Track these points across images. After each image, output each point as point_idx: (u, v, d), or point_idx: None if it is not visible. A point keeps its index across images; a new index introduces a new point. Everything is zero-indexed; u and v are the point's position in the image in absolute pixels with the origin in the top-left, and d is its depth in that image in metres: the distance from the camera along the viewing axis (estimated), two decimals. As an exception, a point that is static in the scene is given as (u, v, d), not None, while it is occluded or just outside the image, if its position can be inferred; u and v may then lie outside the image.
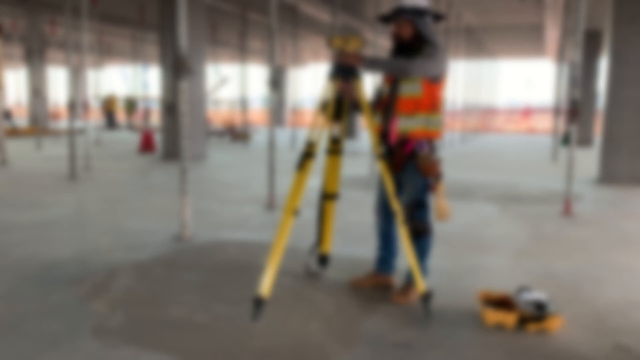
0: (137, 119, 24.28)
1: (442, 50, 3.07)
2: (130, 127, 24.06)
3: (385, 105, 3.21)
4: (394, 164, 3.17)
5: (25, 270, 3.71)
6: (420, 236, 3.18)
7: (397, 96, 3.13)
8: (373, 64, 3.08)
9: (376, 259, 3.52)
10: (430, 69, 3.02)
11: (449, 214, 3.10)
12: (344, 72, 3.10)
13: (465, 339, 2.74)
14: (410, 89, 3.08)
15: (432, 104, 3.09)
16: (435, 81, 3.08)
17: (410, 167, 3.13)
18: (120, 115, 26.30)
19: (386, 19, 3.19)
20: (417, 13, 3.08)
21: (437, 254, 4.28)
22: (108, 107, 24.26)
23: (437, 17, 3.24)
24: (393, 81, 3.18)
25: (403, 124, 3.11)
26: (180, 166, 4.67)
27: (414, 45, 3.13)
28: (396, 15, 3.13)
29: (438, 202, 3.08)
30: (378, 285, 3.45)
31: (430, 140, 3.12)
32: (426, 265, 3.27)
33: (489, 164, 11.65)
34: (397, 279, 3.51)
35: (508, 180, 8.83)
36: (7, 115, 21.48)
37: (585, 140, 16.57)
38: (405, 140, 3.12)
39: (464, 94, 20.40)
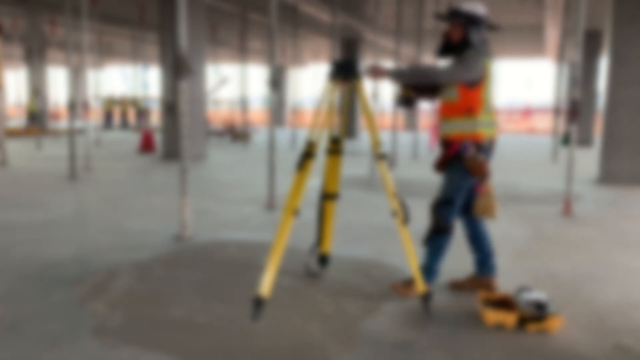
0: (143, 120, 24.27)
1: (475, 56, 3.09)
2: (129, 126, 24.07)
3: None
4: (437, 163, 3.27)
5: (25, 270, 3.71)
6: (439, 234, 3.22)
7: (441, 100, 3.24)
8: (399, 76, 3.15)
9: (474, 262, 3.50)
10: (460, 75, 3.06)
11: (495, 213, 3.20)
12: (344, 72, 3.11)
13: (465, 339, 2.74)
14: (447, 94, 3.17)
15: (467, 108, 3.11)
16: (471, 86, 3.10)
17: (451, 166, 3.19)
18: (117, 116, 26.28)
19: (441, 17, 3.25)
20: (472, 20, 3.15)
21: (437, 254, 4.29)
22: (109, 107, 24.29)
23: (492, 27, 3.30)
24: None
25: (442, 128, 3.22)
26: (180, 166, 4.67)
27: (460, 49, 3.18)
28: (451, 17, 3.19)
29: (484, 201, 3.16)
30: (479, 287, 3.41)
31: (476, 142, 3.12)
32: (437, 264, 3.28)
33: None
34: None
35: (508, 180, 8.83)
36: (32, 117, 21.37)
37: (585, 140, 16.56)
38: (449, 142, 3.18)
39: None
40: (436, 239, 3.23)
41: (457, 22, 3.17)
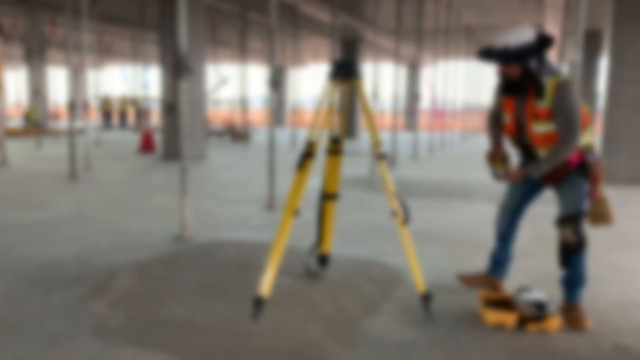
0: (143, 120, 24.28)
1: (570, 86, 2.85)
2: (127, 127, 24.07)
3: (514, 135, 3.10)
4: (552, 177, 3.04)
5: (25, 270, 3.71)
6: (580, 249, 2.98)
7: (529, 133, 2.99)
8: (541, 169, 2.94)
9: (490, 260, 3.44)
10: (578, 118, 2.85)
11: (612, 219, 2.95)
12: (344, 72, 3.12)
13: (465, 339, 2.74)
14: (543, 129, 2.93)
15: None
16: None
17: (570, 178, 2.99)
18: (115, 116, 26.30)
19: (493, 58, 2.96)
20: (524, 52, 2.87)
21: (437, 254, 4.29)
22: (106, 107, 24.29)
23: (547, 42, 2.92)
24: (514, 111, 3.04)
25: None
26: (180, 166, 4.67)
27: (525, 80, 2.94)
28: (503, 59, 2.92)
29: (600, 207, 2.94)
30: (487, 286, 3.39)
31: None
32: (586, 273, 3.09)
33: (489, 164, 11.63)
34: (508, 284, 3.48)
35: (508, 180, 8.81)
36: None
37: (585, 140, 16.55)
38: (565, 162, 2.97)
39: (464, 94, 20.40)
40: (579, 255, 2.99)
41: (510, 62, 2.91)
